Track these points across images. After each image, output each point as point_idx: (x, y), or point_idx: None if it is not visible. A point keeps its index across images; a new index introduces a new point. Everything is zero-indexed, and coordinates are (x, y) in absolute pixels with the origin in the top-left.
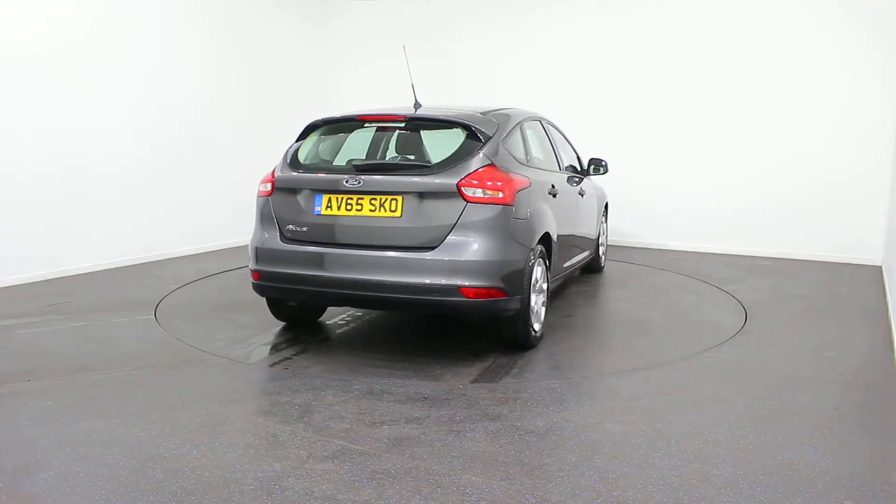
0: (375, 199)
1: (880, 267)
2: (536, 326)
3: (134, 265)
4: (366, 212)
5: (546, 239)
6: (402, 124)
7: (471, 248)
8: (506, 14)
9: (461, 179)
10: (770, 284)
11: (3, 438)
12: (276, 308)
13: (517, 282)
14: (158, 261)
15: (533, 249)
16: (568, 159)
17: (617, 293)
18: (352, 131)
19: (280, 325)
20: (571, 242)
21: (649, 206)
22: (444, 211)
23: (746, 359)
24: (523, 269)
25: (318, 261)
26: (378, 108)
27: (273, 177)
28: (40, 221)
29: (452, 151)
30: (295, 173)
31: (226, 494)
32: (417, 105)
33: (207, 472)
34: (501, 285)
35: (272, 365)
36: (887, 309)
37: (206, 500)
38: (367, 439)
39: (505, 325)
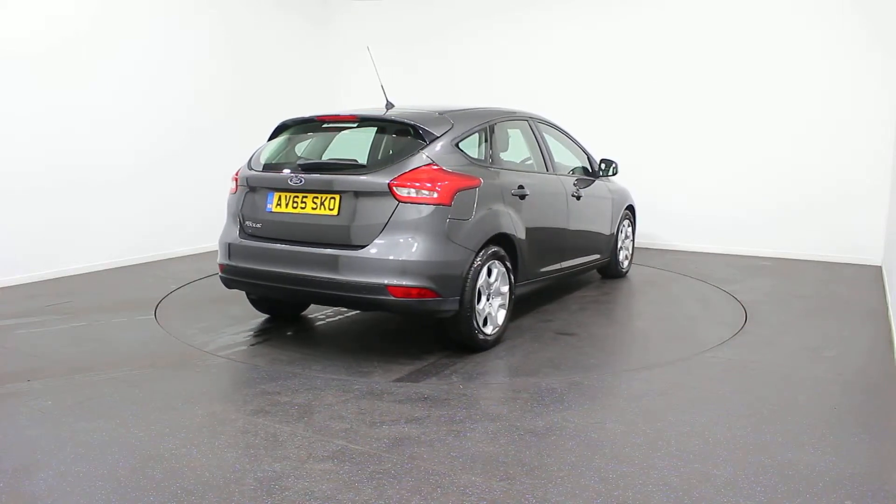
0: (317, 198)
1: (880, 267)
2: (489, 329)
3: (134, 265)
4: (308, 210)
5: (506, 241)
6: (355, 125)
7: (400, 247)
8: (506, 14)
9: (393, 179)
10: (770, 284)
11: (3, 438)
12: (254, 301)
13: (453, 283)
14: (158, 261)
15: (479, 251)
16: (574, 161)
17: (615, 295)
18: (313, 132)
19: (262, 318)
20: (557, 246)
21: (649, 207)
22: (378, 210)
23: (746, 359)
24: (462, 270)
25: (267, 256)
26: (340, 110)
27: (237, 175)
28: (40, 221)
29: (394, 151)
30: (254, 172)
31: (226, 494)
32: (390, 105)
33: (207, 472)
34: (432, 286)
35: (221, 354)
36: (887, 309)
37: (206, 500)
38: (367, 439)
39: (448, 326)
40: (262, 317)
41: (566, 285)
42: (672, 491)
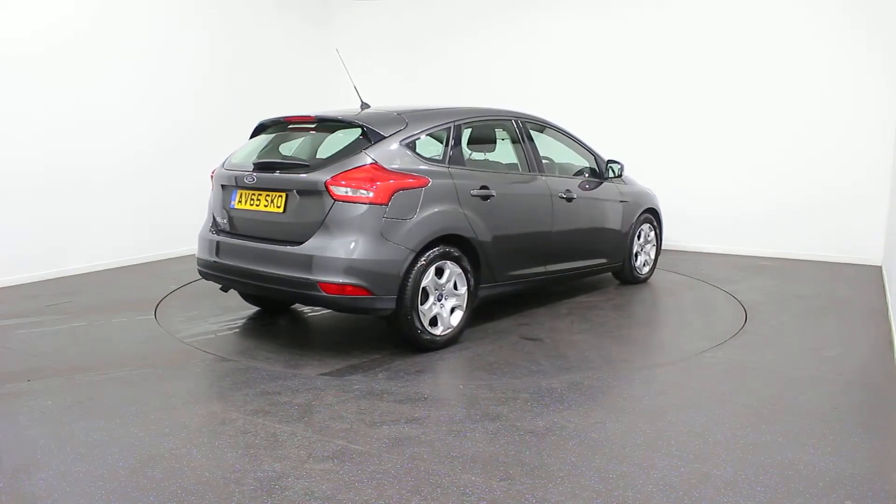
0: (268, 196)
1: (880, 267)
2: (437, 330)
3: (134, 265)
4: (261, 207)
5: (462, 242)
6: (314, 125)
7: (332, 245)
8: (506, 14)
9: (329, 178)
10: (770, 284)
11: (3, 438)
12: (242, 294)
13: (388, 282)
14: (158, 261)
15: (423, 251)
16: (581, 162)
17: (617, 300)
18: (283, 132)
19: (251, 311)
20: (538, 249)
21: None
22: (316, 208)
23: (746, 359)
24: (400, 270)
25: (228, 250)
26: (306, 111)
27: (212, 173)
28: (40, 221)
29: (341, 151)
30: (224, 170)
31: (226, 494)
32: (365, 106)
33: (207, 472)
34: (364, 284)
35: (186, 341)
36: (887, 309)
37: (206, 500)
38: (367, 439)
39: (392, 324)
40: (253, 310)
41: (569, 289)
42: (672, 491)
